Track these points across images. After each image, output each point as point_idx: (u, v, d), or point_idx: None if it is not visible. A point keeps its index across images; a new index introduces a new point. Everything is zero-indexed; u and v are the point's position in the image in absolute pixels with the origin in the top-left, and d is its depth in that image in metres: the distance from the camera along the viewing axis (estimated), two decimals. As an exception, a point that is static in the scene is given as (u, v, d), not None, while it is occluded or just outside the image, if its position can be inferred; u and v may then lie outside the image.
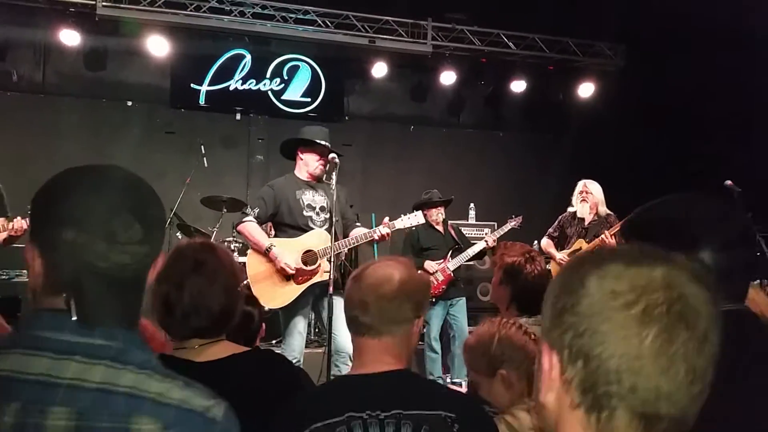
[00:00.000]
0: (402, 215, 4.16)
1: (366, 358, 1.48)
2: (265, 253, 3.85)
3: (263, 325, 2.48)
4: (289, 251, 3.87)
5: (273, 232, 4.26)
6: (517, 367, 1.81)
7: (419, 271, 1.62)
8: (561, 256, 5.14)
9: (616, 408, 0.68)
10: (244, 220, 3.96)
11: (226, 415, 0.96)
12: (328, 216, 3.92)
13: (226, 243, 5.97)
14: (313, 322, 5.59)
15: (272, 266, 3.86)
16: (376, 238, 3.96)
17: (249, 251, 4.05)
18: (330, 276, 3.67)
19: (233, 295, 1.63)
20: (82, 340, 0.91)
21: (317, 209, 4.02)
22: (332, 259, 3.69)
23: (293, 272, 3.83)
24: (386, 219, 4.03)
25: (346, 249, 4.12)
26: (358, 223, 4.24)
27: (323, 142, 4.06)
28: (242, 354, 1.63)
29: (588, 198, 5.18)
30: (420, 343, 6.01)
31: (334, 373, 3.79)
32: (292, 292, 3.87)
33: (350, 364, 3.84)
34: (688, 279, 0.70)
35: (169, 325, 1.59)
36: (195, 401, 0.93)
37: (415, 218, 4.17)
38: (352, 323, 1.50)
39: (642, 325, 0.67)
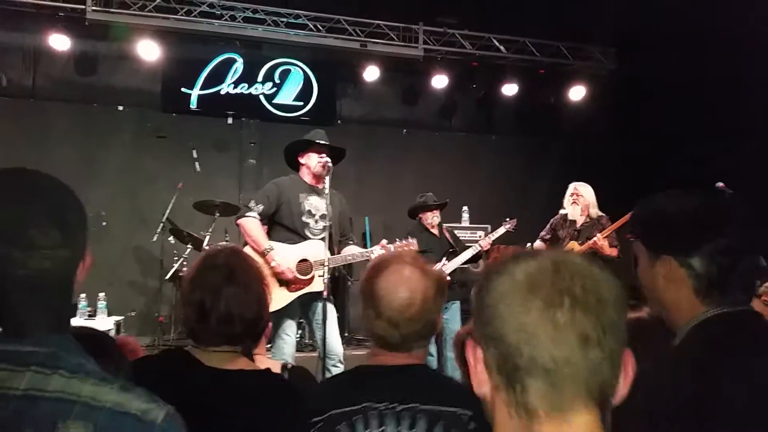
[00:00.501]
0: (397, 240, 4.15)
1: (384, 357, 1.49)
2: (262, 255, 3.83)
3: (269, 324, 2.44)
4: (285, 257, 3.85)
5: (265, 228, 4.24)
6: None
7: (433, 268, 1.61)
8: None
9: (525, 379, 0.73)
10: (246, 214, 3.92)
11: (167, 419, 0.93)
12: (326, 225, 3.91)
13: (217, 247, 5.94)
14: (307, 327, 5.58)
15: (267, 268, 3.84)
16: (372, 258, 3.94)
17: (245, 248, 4.02)
18: (324, 281, 3.67)
19: (264, 303, 1.65)
20: (8, 348, 0.89)
21: (317, 217, 4.00)
22: (326, 264, 3.69)
23: (291, 277, 3.81)
24: (384, 241, 4.01)
25: (340, 264, 4.11)
26: (352, 242, 4.23)
27: (320, 141, 4.07)
28: (252, 372, 1.63)
29: (579, 200, 5.20)
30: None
31: (326, 377, 3.79)
32: (283, 297, 3.86)
33: (341, 366, 3.87)
34: (578, 260, 0.78)
35: (200, 331, 1.58)
36: (131, 404, 0.91)
37: (411, 245, 4.14)
38: (380, 340, 1.48)
39: (528, 298, 0.74)
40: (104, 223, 7.14)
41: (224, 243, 6.07)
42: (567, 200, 5.28)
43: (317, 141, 4.07)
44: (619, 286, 0.78)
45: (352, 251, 4.06)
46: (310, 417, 1.36)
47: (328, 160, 3.98)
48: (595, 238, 4.89)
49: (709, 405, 1.06)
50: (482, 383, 0.80)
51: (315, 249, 3.90)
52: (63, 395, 0.88)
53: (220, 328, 1.56)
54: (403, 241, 4.10)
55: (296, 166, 4.17)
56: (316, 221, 4.00)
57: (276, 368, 1.97)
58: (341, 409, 1.36)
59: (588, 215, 5.18)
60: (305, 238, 3.96)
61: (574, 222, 5.22)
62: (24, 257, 0.91)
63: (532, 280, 0.75)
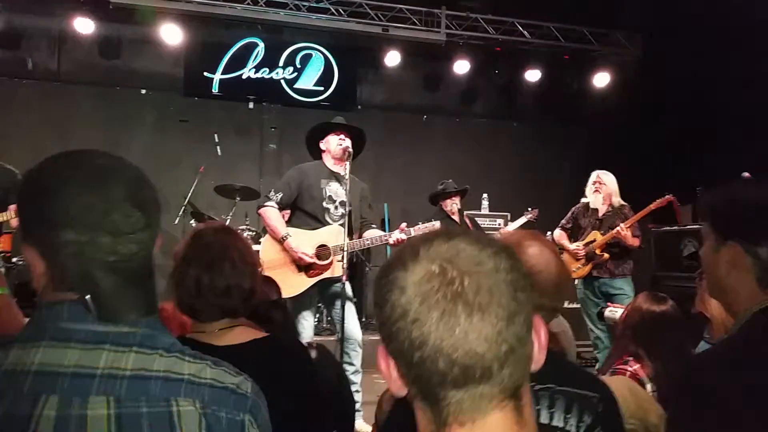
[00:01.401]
0: (419, 222, 4.14)
1: None
2: (281, 242, 3.86)
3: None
4: (303, 243, 3.88)
5: (287, 215, 4.27)
6: None
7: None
8: (574, 247, 5.10)
9: (437, 392, 0.72)
10: (266, 204, 3.96)
11: (254, 390, 1.01)
12: (344, 212, 3.92)
13: (239, 231, 5.99)
14: (325, 312, 5.62)
15: (286, 255, 3.87)
16: (392, 242, 3.93)
17: (265, 237, 4.07)
18: (343, 266, 3.68)
19: (256, 275, 1.69)
20: (108, 329, 0.91)
21: (337, 203, 4.01)
22: (345, 249, 3.70)
23: (312, 261, 3.84)
24: (403, 225, 3.99)
25: (358, 249, 4.12)
26: (374, 225, 4.24)
27: (337, 121, 4.08)
28: (262, 339, 1.66)
29: (601, 189, 5.12)
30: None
31: (344, 360, 3.82)
32: (302, 283, 3.89)
33: (359, 351, 3.90)
34: (467, 252, 0.74)
35: (197, 306, 1.61)
36: (226, 378, 0.97)
37: (436, 226, 4.12)
38: None
39: (420, 313, 0.71)
40: (127, 206, 7.24)
41: (244, 227, 6.12)
42: (589, 188, 5.22)
43: (335, 122, 4.08)
44: (513, 266, 0.75)
45: (371, 235, 4.07)
46: None
47: (348, 143, 3.98)
48: (618, 228, 4.83)
49: None
50: (399, 389, 0.77)
51: (334, 234, 3.91)
52: (169, 374, 0.92)
53: (219, 301, 1.59)
54: (426, 224, 4.09)
55: (318, 155, 4.17)
56: (336, 207, 4.01)
57: None
58: None
59: (610, 204, 5.11)
60: (324, 223, 3.98)
61: (596, 211, 5.15)
62: (113, 243, 0.92)
63: (423, 292, 0.72)
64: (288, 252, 3.86)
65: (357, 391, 3.89)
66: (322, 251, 3.90)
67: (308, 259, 3.83)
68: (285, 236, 3.85)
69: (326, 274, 3.91)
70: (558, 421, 1.37)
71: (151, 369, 0.91)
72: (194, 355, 0.97)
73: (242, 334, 1.63)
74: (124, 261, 0.94)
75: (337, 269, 3.82)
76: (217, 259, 1.60)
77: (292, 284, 3.87)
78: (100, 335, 0.90)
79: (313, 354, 1.98)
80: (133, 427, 0.87)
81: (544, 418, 1.37)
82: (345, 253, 3.72)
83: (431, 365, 0.71)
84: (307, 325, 3.97)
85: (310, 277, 3.91)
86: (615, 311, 2.85)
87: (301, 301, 3.93)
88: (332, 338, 4.72)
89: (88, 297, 0.90)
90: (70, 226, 0.90)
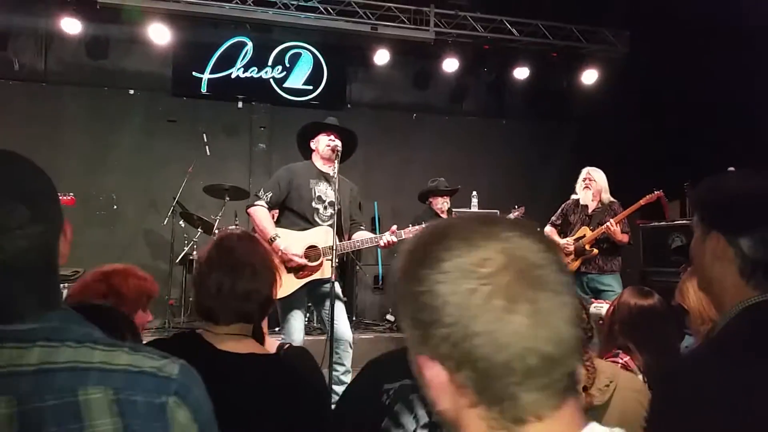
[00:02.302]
0: (410, 225, 4.14)
1: None
2: (269, 243, 3.85)
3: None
4: (292, 244, 3.87)
5: (276, 215, 4.27)
6: None
7: None
8: (564, 242, 5.13)
9: (517, 393, 0.66)
10: (255, 203, 3.95)
11: (182, 372, 0.96)
12: (333, 212, 3.92)
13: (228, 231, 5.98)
14: (315, 313, 5.61)
15: (275, 256, 3.86)
16: (382, 245, 3.93)
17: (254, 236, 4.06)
18: (332, 266, 3.68)
19: (274, 284, 1.74)
20: (10, 327, 0.89)
21: (326, 203, 4.01)
22: (334, 249, 3.70)
23: (302, 263, 3.83)
24: (394, 227, 4.00)
25: (348, 251, 4.12)
26: (362, 226, 4.23)
27: (329, 122, 4.08)
28: (260, 355, 1.67)
29: (591, 185, 5.16)
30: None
31: (335, 361, 3.82)
32: (291, 284, 3.88)
33: (350, 350, 3.90)
34: (522, 238, 0.69)
35: (215, 308, 1.65)
36: (144, 363, 0.93)
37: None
38: None
39: (510, 310, 0.65)
40: (115, 207, 7.21)
41: (234, 227, 6.10)
42: (579, 185, 5.25)
43: (326, 122, 4.08)
44: (561, 261, 0.71)
45: (361, 236, 4.07)
46: (381, 383, 1.36)
47: (338, 143, 3.98)
48: (607, 224, 4.87)
49: (758, 391, 1.06)
50: (444, 399, 0.70)
51: (323, 235, 3.91)
52: (76, 364, 0.89)
53: (236, 305, 1.64)
54: (417, 227, 4.09)
55: (308, 154, 4.17)
56: (325, 207, 4.01)
57: (273, 345, 2.02)
58: (414, 379, 1.36)
59: (600, 201, 5.15)
60: (314, 223, 3.97)
61: (585, 207, 5.19)
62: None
63: (495, 283, 0.66)
64: (276, 253, 3.85)
65: None
66: (312, 252, 3.90)
67: (298, 260, 3.83)
68: (273, 237, 3.84)
69: (316, 275, 3.91)
70: None
71: (57, 361, 0.88)
72: (110, 343, 0.94)
73: (245, 345, 1.66)
74: (14, 258, 0.90)
75: (327, 270, 3.82)
76: (239, 264, 1.66)
77: (282, 285, 3.87)
78: (2, 334, 0.88)
79: (281, 353, 2.00)
80: (37, 422, 0.85)
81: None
82: (334, 253, 3.71)
83: (519, 367, 0.65)
84: (297, 326, 3.95)
85: (299, 278, 3.90)
86: (600, 307, 2.88)
87: (291, 302, 3.91)
88: (323, 337, 4.72)
89: None
90: None
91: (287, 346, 2.18)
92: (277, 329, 5.55)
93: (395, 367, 1.39)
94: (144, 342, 1.57)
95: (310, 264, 3.87)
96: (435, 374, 0.70)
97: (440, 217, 5.49)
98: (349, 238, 4.07)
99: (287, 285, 3.86)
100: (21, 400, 0.86)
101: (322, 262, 3.88)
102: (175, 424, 0.93)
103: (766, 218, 1.20)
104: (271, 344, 2.12)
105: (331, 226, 3.85)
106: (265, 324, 2.20)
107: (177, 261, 6.36)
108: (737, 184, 1.27)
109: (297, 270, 3.89)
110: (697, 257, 1.29)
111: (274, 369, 1.67)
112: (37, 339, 0.89)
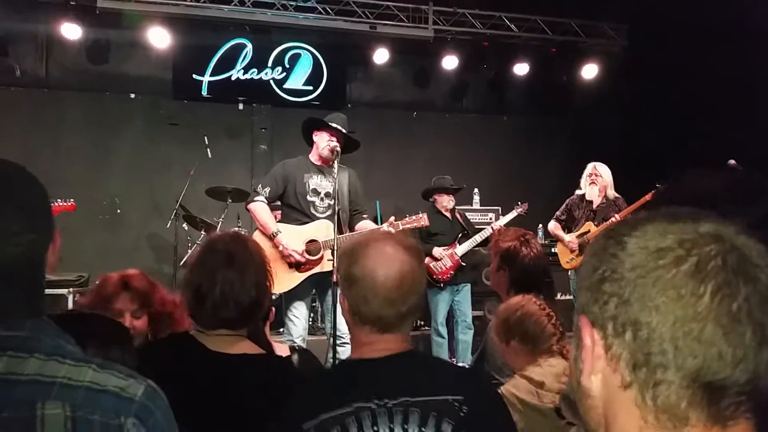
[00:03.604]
0: (407, 216, 4.16)
1: (375, 346, 1.43)
2: (271, 238, 3.89)
3: (273, 309, 2.45)
4: (293, 239, 3.90)
5: (279, 210, 4.30)
6: (526, 342, 1.95)
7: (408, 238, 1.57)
8: (569, 238, 5.14)
9: (675, 381, 0.59)
10: (255, 199, 4.00)
11: (146, 394, 0.95)
12: (332, 203, 3.94)
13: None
14: (319, 309, 5.63)
15: (277, 250, 3.90)
16: None
17: (255, 232, 4.10)
18: (334, 264, 3.71)
19: (262, 289, 1.66)
20: None
21: (322, 195, 4.04)
22: (335, 246, 3.72)
23: (302, 259, 3.86)
24: (391, 218, 4.02)
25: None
26: (365, 215, 4.25)
27: (334, 124, 4.07)
28: (253, 355, 1.65)
29: (597, 180, 5.17)
30: (426, 328, 6.04)
31: (335, 356, 3.85)
32: (293, 279, 3.93)
33: (347, 346, 3.92)
34: (736, 231, 0.63)
35: (198, 314, 1.63)
36: (108, 381, 0.92)
37: (421, 220, 4.14)
38: (377, 322, 1.42)
39: (697, 281, 0.59)
40: (118, 211, 7.24)
41: (236, 229, 6.12)
42: (585, 180, 5.25)
43: (332, 124, 4.08)
44: None
45: (364, 226, 4.10)
46: (301, 421, 1.31)
47: (337, 145, 4.00)
48: (612, 219, 4.88)
49: None
50: (595, 376, 0.65)
51: (323, 228, 3.94)
52: (40, 377, 0.88)
53: (216, 311, 1.58)
54: (413, 217, 4.12)
55: (310, 142, 4.20)
56: (321, 199, 4.04)
57: (284, 351, 1.99)
58: (333, 412, 1.31)
59: (605, 196, 5.16)
60: (311, 217, 4.01)
61: (590, 202, 5.20)
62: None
63: (697, 255, 0.60)
64: (278, 249, 3.88)
65: None
66: (312, 246, 3.93)
67: (299, 257, 3.86)
68: (275, 233, 3.89)
69: (317, 269, 3.95)
70: None
71: (21, 373, 0.88)
72: (79, 359, 0.93)
73: (238, 346, 1.63)
74: (6, 265, 0.91)
75: (329, 264, 3.85)
76: (219, 268, 1.59)
77: (284, 279, 3.92)
78: None
79: (295, 358, 1.99)
80: None
81: None
82: (336, 246, 3.72)
83: (685, 349, 0.59)
84: (299, 322, 4.00)
85: (301, 272, 3.95)
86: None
87: (294, 296, 3.97)
88: (324, 337, 4.75)
89: None
90: None
91: (298, 347, 2.18)
92: (281, 330, 5.57)
93: (312, 400, 1.37)
94: (136, 345, 1.57)
95: (311, 258, 3.91)
96: (592, 339, 0.65)
97: (443, 214, 5.49)
98: (352, 230, 4.10)
99: (290, 279, 3.91)
100: None
101: (322, 255, 3.91)
102: None
103: (731, 210, 1.20)
104: (282, 350, 2.11)
105: (329, 217, 3.88)
106: (267, 330, 2.19)
107: (181, 264, 6.37)
108: (698, 182, 1.27)
109: (298, 264, 3.93)
110: None
111: (267, 369, 1.65)
112: (8, 348, 0.89)
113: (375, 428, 1.31)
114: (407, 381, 1.38)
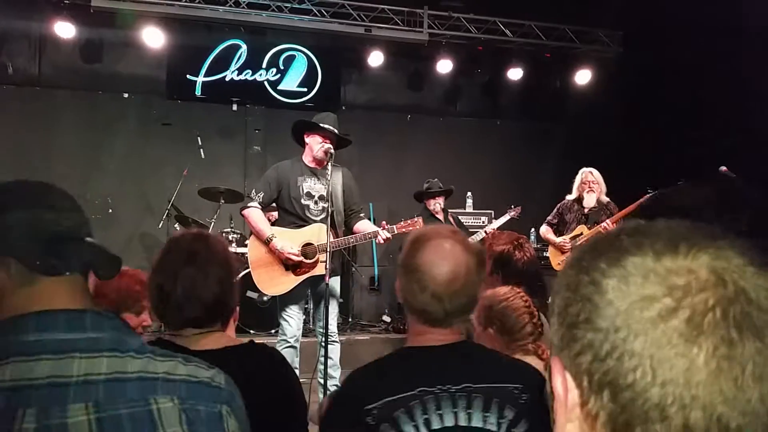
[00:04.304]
0: (402, 220, 4.17)
1: (424, 336, 1.47)
2: (266, 243, 3.89)
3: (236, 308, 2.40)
4: (289, 243, 3.90)
5: (275, 214, 4.30)
6: (503, 333, 1.96)
7: (473, 241, 1.61)
8: (561, 240, 5.17)
9: None
10: (249, 205, 4.00)
11: (228, 381, 1.05)
12: (326, 205, 3.95)
13: (224, 234, 6.00)
14: (311, 311, 5.63)
15: (272, 254, 3.91)
16: (381, 241, 4.00)
17: (251, 237, 4.09)
18: (326, 265, 3.72)
19: (226, 286, 1.63)
20: (75, 336, 0.93)
21: (316, 198, 4.04)
22: (328, 249, 3.73)
23: (300, 260, 3.87)
24: (383, 223, 4.06)
25: (344, 247, 4.15)
26: (362, 215, 4.26)
27: (327, 126, 4.06)
28: (237, 347, 1.65)
29: (594, 187, 5.21)
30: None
31: (323, 354, 3.85)
32: (290, 281, 3.93)
33: (336, 344, 3.96)
34: (744, 264, 0.51)
35: (163, 313, 1.61)
36: (200, 373, 1.01)
37: (416, 224, 4.15)
38: (423, 315, 1.45)
39: (690, 340, 0.49)
40: (110, 210, 7.20)
41: (229, 229, 6.11)
42: (580, 186, 5.27)
43: (323, 126, 4.07)
44: None
45: (363, 227, 4.12)
46: (362, 404, 1.34)
47: (331, 147, 4.00)
48: (604, 224, 4.92)
49: None
50: (571, 425, 0.55)
51: (318, 232, 3.94)
52: (143, 374, 0.95)
53: (180, 310, 1.57)
54: (408, 221, 4.13)
55: (302, 143, 4.19)
56: (315, 202, 4.04)
57: None
58: (396, 395, 1.34)
59: (598, 200, 5.21)
60: (306, 220, 4.01)
61: (582, 206, 5.24)
62: (56, 217, 0.98)
63: (690, 307, 0.50)
64: (274, 253, 3.89)
65: (336, 386, 3.93)
66: (308, 249, 3.93)
67: (296, 259, 3.87)
68: (270, 237, 3.89)
69: (315, 272, 3.96)
70: (477, 422, 1.35)
71: (126, 371, 0.93)
72: (165, 354, 1.00)
73: (217, 340, 1.62)
74: (69, 231, 1.00)
75: (320, 268, 3.86)
76: (179, 266, 1.57)
77: (280, 283, 3.93)
78: (69, 343, 0.92)
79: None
80: (115, 429, 0.89)
81: (462, 421, 1.35)
82: (328, 252, 3.74)
83: (675, 414, 0.49)
84: (293, 322, 4.01)
85: (297, 275, 3.96)
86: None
87: (289, 299, 3.98)
88: (315, 339, 4.76)
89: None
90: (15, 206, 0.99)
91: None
92: (273, 331, 5.56)
93: (375, 384, 1.40)
94: None
95: (306, 261, 3.91)
96: (565, 388, 0.56)
97: (435, 217, 5.53)
98: (350, 230, 4.12)
99: (286, 283, 3.92)
100: (98, 407, 0.90)
101: (318, 258, 3.92)
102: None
103: (719, 217, 1.22)
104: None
105: (323, 220, 3.89)
106: (231, 328, 2.19)
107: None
108: (682, 193, 1.29)
109: (295, 267, 3.93)
110: None
111: (255, 356, 1.67)
112: (103, 349, 0.94)
113: (439, 412, 1.33)
114: (468, 368, 1.41)
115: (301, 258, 3.88)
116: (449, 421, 1.35)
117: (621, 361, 0.51)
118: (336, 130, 4.08)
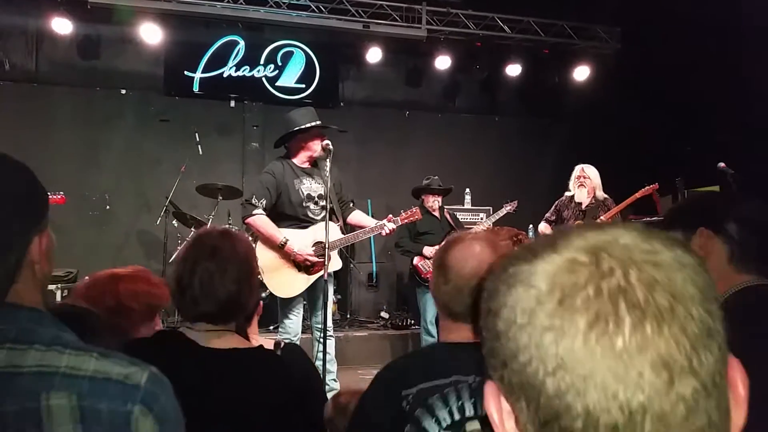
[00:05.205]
0: (402, 212, 4.20)
1: (450, 333, 1.52)
2: (281, 247, 3.86)
3: (261, 305, 2.32)
4: (301, 245, 3.92)
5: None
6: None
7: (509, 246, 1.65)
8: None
9: None
10: (253, 213, 3.92)
11: (151, 380, 0.94)
12: (324, 204, 3.95)
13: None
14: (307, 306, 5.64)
15: (282, 257, 3.91)
16: (385, 234, 4.07)
17: (258, 243, 4.02)
18: (326, 263, 3.72)
19: (243, 286, 1.63)
20: None
21: (315, 198, 4.04)
22: (327, 246, 3.73)
23: (316, 260, 3.89)
24: (390, 216, 4.12)
25: (354, 242, 4.20)
26: (352, 204, 4.30)
27: (316, 123, 4.03)
28: (245, 349, 1.64)
29: (585, 182, 5.20)
30: (416, 326, 6.05)
31: (320, 349, 3.86)
32: (304, 281, 3.96)
33: (331, 339, 3.98)
34: (629, 238, 0.50)
35: (180, 305, 1.63)
36: (112, 369, 0.92)
37: (416, 214, 4.23)
38: (445, 308, 1.53)
39: (566, 319, 0.47)
40: (108, 207, 7.20)
41: (226, 226, 6.09)
42: (573, 182, 5.28)
43: (315, 125, 4.02)
44: (700, 265, 0.50)
45: (359, 219, 4.18)
46: (399, 389, 1.38)
47: (329, 142, 3.98)
48: (600, 219, 4.91)
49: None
50: None
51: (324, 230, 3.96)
52: (42, 368, 0.88)
53: (195, 303, 1.58)
54: (408, 212, 4.19)
55: (289, 147, 4.15)
56: (316, 203, 4.04)
57: (269, 346, 2.00)
58: (432, 382, 1.38)
59: (594, 197, 5.20)
60: (310, 221, 4.01)
61: (579, 203, 5.23)
62: None
63: (564, 288, 0.48)
64: (288, 254, 3.87)
65: (334, 380, 3.96)
66: (319, 248, 3.94)
67: (314, 259, 3.88)
68: (284, 242, 3.88)
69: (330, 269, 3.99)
70: None
71: (22, 365, 0.88)
72: (79, 348, 0.93)
73: (227, 341, 1.62)
74: None
75: (334, 264, 3.91)
76: (199, 261, 1.59)
77: (295, 283, 3.94)
78: None
79: (278, 353, 1.99)
80: (0, 426, 0.85)
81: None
82: (327, 246, 3.73)
83: (575, 402, 0.46)
84: (296, 319, 4.04)
85: (311, 274, 3.99)
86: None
87: (293, 299, 3.98)
88: (310, 334, 4.78)
89: None
90: None
91: (283, 344, 2.18)
92: (271, 327, 5.56)
93: (411, 371, 1.44)
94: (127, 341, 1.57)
95: (319, 261, 3.93)
96: (499, 408, 0.54)
97: (432, 214, 5.54)
98: (346, 223, 4.17)
99: (299, 283, 3.96)
100: None
101: (329, 256, 3.95)
102: None
103: (734, 204, 1.36)
104: (267, 345, 2.11)
105: (324, 219, 3.90)
106: (254, 325, 2.19)
107: (170, 261, 6.34)
108: (700, 194, 1.44)
109: (308, 267, 3.95)
110: None
111: (260, 362, 1.66)
112: (5, 341, 0.88)
113: (472, 401, 1.36)
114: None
115: (318, 259, 3.89)
116: (481, 410, 1.37)
117: (517, 359, 0.49)
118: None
